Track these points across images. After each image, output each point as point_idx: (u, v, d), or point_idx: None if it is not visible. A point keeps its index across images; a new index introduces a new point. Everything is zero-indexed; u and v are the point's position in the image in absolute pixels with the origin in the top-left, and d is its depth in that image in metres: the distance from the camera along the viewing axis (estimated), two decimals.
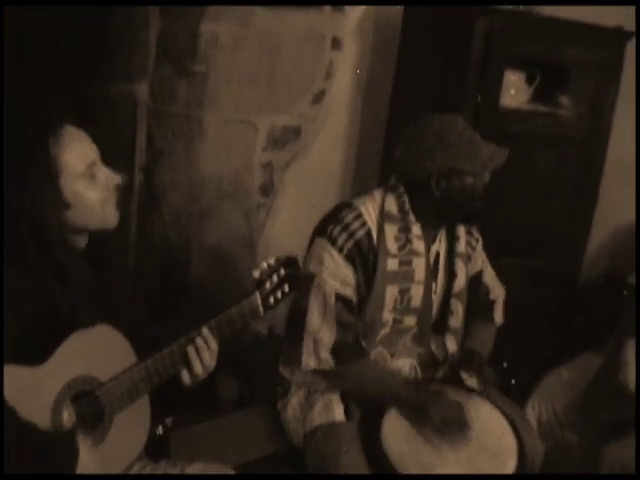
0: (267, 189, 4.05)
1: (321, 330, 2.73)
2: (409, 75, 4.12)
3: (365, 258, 2.74)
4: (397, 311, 2.83)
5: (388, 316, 2.82)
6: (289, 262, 2.41)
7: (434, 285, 2.91)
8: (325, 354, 2.74)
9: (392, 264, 2.77)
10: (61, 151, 2.14)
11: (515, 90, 3.99)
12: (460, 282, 2.94)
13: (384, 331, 2.85)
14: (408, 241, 2.79)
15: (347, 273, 2.73)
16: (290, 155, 4.15)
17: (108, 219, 2.25)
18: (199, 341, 2.28)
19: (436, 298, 2.94)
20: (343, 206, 2.84)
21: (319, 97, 4.17)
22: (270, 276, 2.37)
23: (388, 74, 4.22)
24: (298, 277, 2.42)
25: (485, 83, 3.77)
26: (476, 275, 3.07)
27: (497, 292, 3.12)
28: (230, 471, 2.41)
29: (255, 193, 3.99)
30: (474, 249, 3.03)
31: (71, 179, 2.15)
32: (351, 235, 2.74)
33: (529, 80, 4.06)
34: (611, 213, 4.06)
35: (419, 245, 2.81)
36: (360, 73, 4.29)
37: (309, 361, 2.77)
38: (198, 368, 2.28)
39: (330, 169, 4.43)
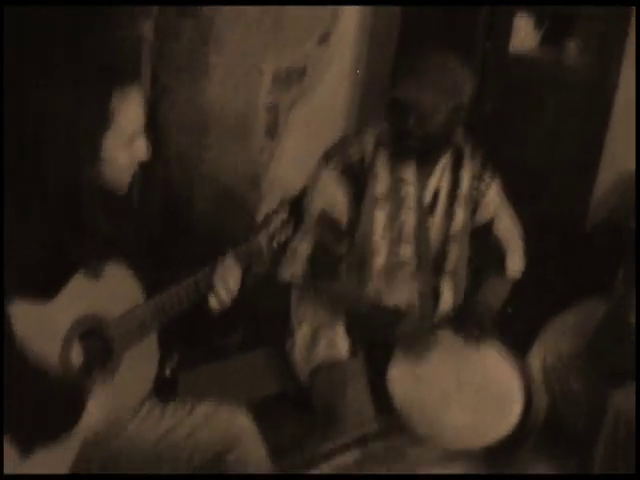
0: (272, 130, 4.00)
1: (299, 244, 2.77)
2: (416, 18, 4.05)
3: (356, 181, 2.78)
4: (389, 240, 2.83)
5: (380, 242, 2.83)
6: (295, 202, 2.42)
7: (431, 219, 2.89)
8: (298, 266, 2.76)
9: (380, 188, 2.80)
10: (121, 108, 2.09)
11: (524, 34, 3.94)
12: (457, 225, 2.92)
13: (379, 260, 2.84)
14: (398, 169, 2.82)
15: (336, 194, 2.77)
16: (295, 96, 4.10)
17: (122, 184, 2.22)
18: (226, 264, 2.28)
19: (434, 235, 2.92)
20: (344, 137, 2.98)
21: (325, 38, 4.11)
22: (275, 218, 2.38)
23: (395, 16, 4.16)
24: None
25: (494, 28, 3.73)
26: (486, 224, 3.04)
27: (512, 244, 3.09)
28: (242, 410, 2.42)
29: (260, 134, 3.95)
30: (483, 195, 2.99)
31: (116, 137, 2.11)
32: (345, 159, 2.80)
33: (537, 25, 4.00)
34: (618, 159, 4.02)
35: (409, 174, 2.83)
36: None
37: (283, 272, 2.82)
38: (223, 293, 2.28)
39: (335, 110, 4.40)
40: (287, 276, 2.83)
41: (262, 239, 2.34)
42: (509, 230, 3.09)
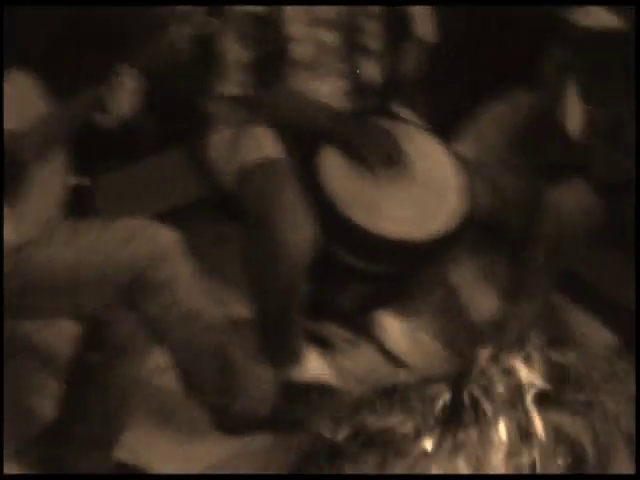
0: None
1: (229, 51, 2.55)
2: None
3: None
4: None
5: (299, 29, 2.62)
6: None
7: None
8: (236, 75, 2.54)
9: None
10: None
11: None
12: None
13: (301, 48, 2.63)
14: None
15: None
16: None
17: None
18: (125, 79, 2.11)
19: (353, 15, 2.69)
20: None
21: None
22: None
23: None
24: None
25: None
26: None
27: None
28: (166, 224, 2.26)
29: None
30: None
31: None
32: None
33: None
34: None
35: None
36: None
37: (220, 88, 2.59)
38: (123, 107, 2.13)
39: None
40: (224, 92, 2.61)
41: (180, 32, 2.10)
42: None
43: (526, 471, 0.76)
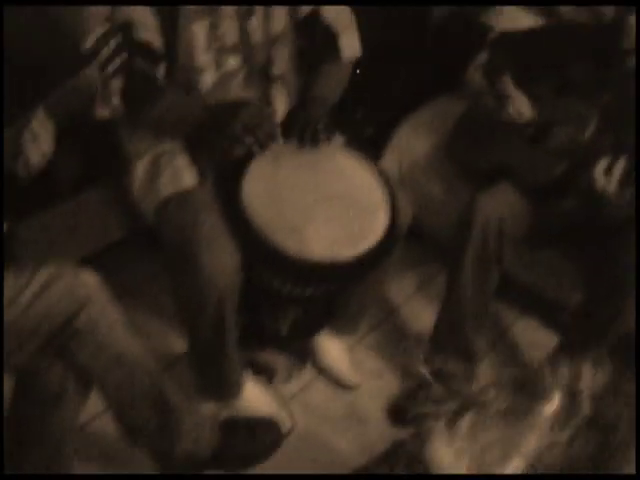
0: None
1: (112, 77, 2.45)
2: None
3: None
4: (214, 50, 2.56)
5: (204, 58, 2.55)
6: (125, 26, 2.07)
7: (249, 23, 2.61)
8: (116, 100, 2.46)
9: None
10: None
11: None
12: (277, 24, 2.65)
13: (207, 77, 2.58)
14: None
15: (144, 14, 2.42)
16: None
17: None
18: (35, 125, 1.98)
19: (257, 40, 2.64)
20: None
21: None
22: (106, 44, 2.03)
23: None
24: (137, 42, 2.10)
25: None
26: (312, 12, 2.72)
27: (344, 24, 2.77)
28: (86, 267, 2.17)
29: None
30: None
31: None
32: None
33: None
34: None
35: None
36: None
37: (101, 109, 2.45)
38: (34, 155, 2.00)
39: None
40: (106, 113, 2.49)
41: (92, 70, 2.03)
42: (339, 11, 2.82)
43: None
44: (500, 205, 2.70)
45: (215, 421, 2.46)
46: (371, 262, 2.49)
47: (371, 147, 2.98)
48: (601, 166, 2.53)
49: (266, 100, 2.72)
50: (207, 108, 2.54)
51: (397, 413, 2.83)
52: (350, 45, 2.77)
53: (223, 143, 2.53)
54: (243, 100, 2.59)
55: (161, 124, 2.58)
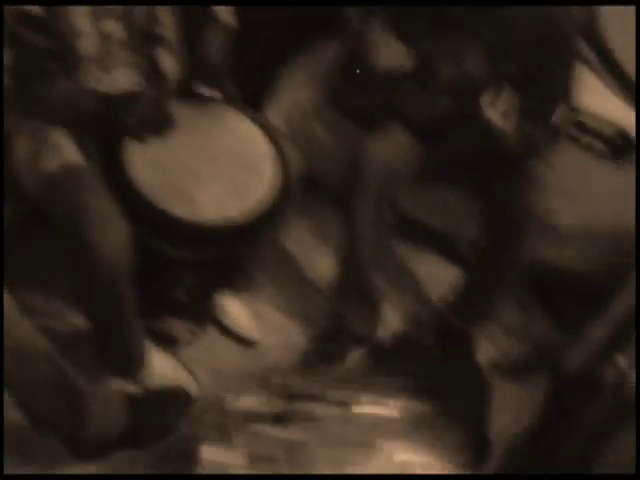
0: None
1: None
2: None
3: None
4: (92, 17, 2.46)
5: (83, 21, 2.45)
6: None
7: None
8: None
9: None
10: None
11: None
12: None
13: (89, 43, 2.49)
14: None
15: None
16: None
17: None
18: None
19: None
20: None
21: None
22: None
23: None
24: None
25: None
26: None
27: None
28: None
29: None
30: None
31: None
32: None
33: None
34: None
35: None
36: None
37: None
38: None
39: None
40: None
41: None
42: None
43: None
44: (389, 146, 2.70)
45: (122, 398, 2.42)
46: (264, 218, 2.48)
47: (254, 101, 2.93)
48: (487, 99, 2.54)
49: (151, 63, 2.65)
50: (98, 99, 2.45)
51: (306, 364, 2.83)
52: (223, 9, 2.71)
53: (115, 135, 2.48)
54: (134, 92, 2.54)
55: (48, 110, 2.48)
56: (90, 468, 2.34)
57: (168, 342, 2.68)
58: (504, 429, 2.35)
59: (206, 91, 2.70)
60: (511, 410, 2.56)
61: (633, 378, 1.76)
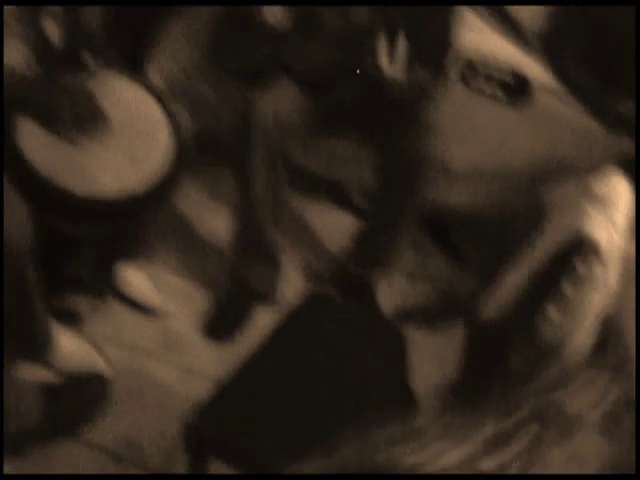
0: None
1: None
2: None
3: None
4: None
5: None
6: None
7: None
8: None
9: None
10: None
11: None
12: None
13: None
14: None
15: None
16: None
17: None
18: None
19: None
20: None
21: None
22: None
23: None
24: None
25: None
26: None
27: None
28: None
29: None
30: None
31: None
32: None
33: None
34: None
35: None
36: None
37: None
38: None
39: None
40: None
41: None
42: None
43: None
44: (277, 100, 2.68)
45: (36, 388, 2.35)
46: (160, 185, 2.42)
47: (135, 65, 2.85)
48: (381, 48, 2.53)
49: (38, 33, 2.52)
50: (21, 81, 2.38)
51: (215, 330, 2.80)
52: None
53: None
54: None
55: None
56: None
57: (71, 319, 2.61)
58: (427, 380, 2.36)
59: (90, 60, 2.58)
60: (432, 361, 2.56)
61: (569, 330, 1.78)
